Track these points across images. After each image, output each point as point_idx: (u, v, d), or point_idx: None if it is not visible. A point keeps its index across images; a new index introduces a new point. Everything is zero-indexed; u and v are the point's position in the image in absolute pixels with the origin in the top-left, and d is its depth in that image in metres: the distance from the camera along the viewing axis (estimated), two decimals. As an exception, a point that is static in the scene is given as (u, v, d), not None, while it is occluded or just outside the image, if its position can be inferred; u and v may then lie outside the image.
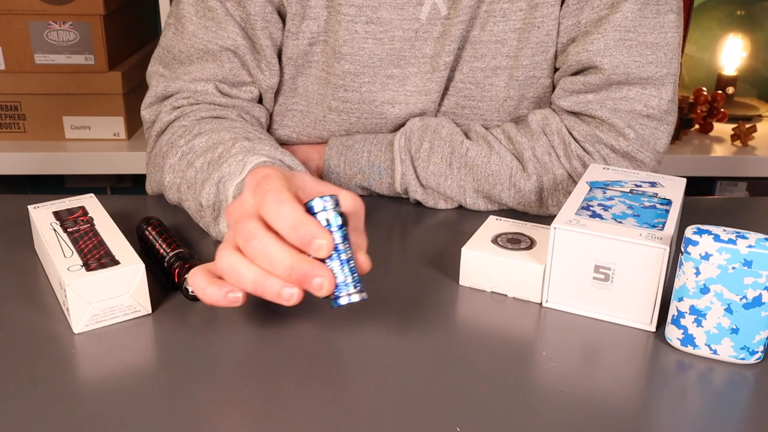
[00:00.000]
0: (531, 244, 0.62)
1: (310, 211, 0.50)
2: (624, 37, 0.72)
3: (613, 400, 0.50)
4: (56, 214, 0.64)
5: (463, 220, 0.75)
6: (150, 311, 0.58)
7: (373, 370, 0.52)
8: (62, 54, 1.44)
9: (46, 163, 1.48)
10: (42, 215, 0.64)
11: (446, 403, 0.49)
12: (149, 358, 0.53)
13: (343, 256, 0.50)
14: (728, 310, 0.52)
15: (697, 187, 1.64)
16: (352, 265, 0.51)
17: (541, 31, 0.75)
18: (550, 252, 0.58)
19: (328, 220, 0.50)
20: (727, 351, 0.53)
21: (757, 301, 0.51)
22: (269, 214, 0.50)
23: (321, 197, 0.50)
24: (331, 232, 0.50)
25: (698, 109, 1.54)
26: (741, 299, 0.51)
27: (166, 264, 0.60)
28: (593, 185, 0.64)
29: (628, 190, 0.64)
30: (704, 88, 1.56)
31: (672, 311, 0.54)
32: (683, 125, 1.54)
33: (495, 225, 0.66)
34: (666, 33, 0.73)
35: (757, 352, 0.53)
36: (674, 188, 0.64)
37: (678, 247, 0.66)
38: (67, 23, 1.42)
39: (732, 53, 1.60)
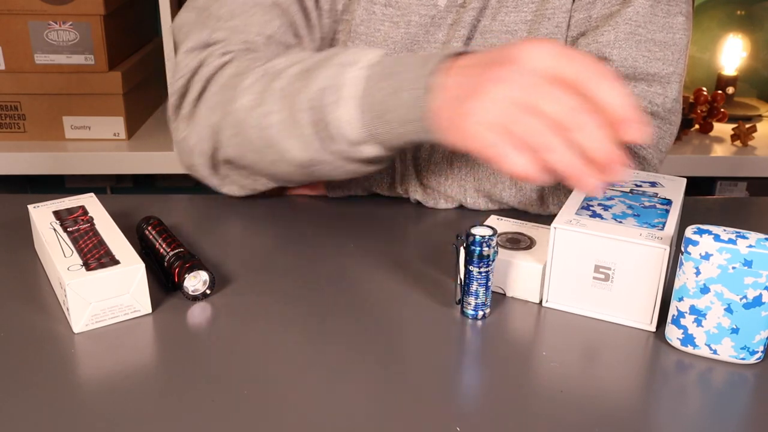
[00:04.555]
0: (531, 243, 0.62)
1: (471, 243, 0.56)
2: (634, 31, 0.73)
3: (613, 400, 0.50)
4: (56, 213, 0.64)
5: (463, 220, 0.75)
6: (150, 311, 0.58)
7: (373, 370, 0.52)
8: (62, 54, 1.44)
9: (46, 163, 1.48)
10: (42, 215, 0.64)
11: (446, 403, 0.49)
12: (149, 358, 0.53)
13: (489, 283, 0.57)
14: (728, 310, 0.52)
15: (697, 187, 1.64)
16: (491, 289, 0.58)
17: (552, 23, 0.76)
18: (550, 252, 0.58)
19: (488, 255, 0.56)
20: (727, 351, 0.53)
21: (758, 301, 0.51)
22: (600, 88, 0.48)
23: (482, 233, 0.56)
24: (489, 263, 0.56)
25: (698, 109, 1.54)
26: (741, 299, 0.51)
27: (166, 264, 0.60)
28: (593, 185, 0.64)
29: (628, 190, 0.64)
30: (704, 88, 1.56)
31: (672, 311, 0.54)
32: (683, 125, 1.53)
33: (495, 225, 0.66)
34: (674, 33, 0.74)
35: (757, 352, 0.53)
36: (674, 188, 0.64)
37: (678, 247, 0.66)
38: (67, 23, 1.42)
39: (732, 53, 1.60)
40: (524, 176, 0.49)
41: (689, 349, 0.54)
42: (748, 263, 0.50)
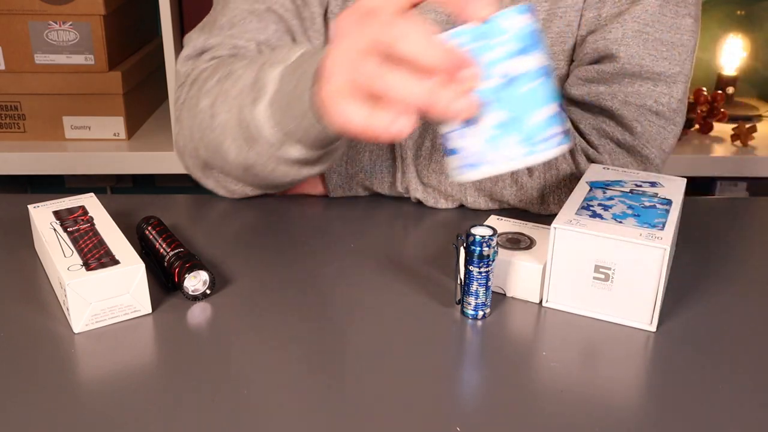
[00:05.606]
0: (531, 243, 0.62)
1: (471, 243, 0.56)
2: (642, 29, 0.73)
3: (613, 400, 0.50)
4: (56, 213, 0.64)
5: (464, 220, 0.75)
6: (150, 311, 0.58)
7: (373, 370, 0.52)
8: (62, 54, 1.44)
9: (46, 163, 1.48)
10: (42, 215, 0.64)
11: (446, 403, 0.49)
12: (149, 358, 0.53)
13: (489, 283, 0.57)
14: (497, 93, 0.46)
15: (697, 187, 1.64)
16: (491, 289, 0.58)
17: (563, 21, 0.76)
18: (550, 252, 0.58)
19: (488, 255, 0.56)
20: (511, 152, 0.46)
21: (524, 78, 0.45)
22: (407, 38, 0.44)
23: (482, 233, 0.56)
24: (489, 263, 0.56)
25: (698, 109, 1.54)
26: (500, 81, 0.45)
27: (166, 263, 0.60)
28: (593, 185, 0.64)
29: (628, 190, 0.64)
30: (704, 88, 1.56)
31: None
32: (683, 125, 1.54)
33: (495, 225, 0.66)
34: (682, 34, 0.74)
35: (546, 139, 0.46)
36: (674, 188, 0.64)
37: (678, 247, 0.66)
38: (67, 23, 1.42)
39: (732, 53, 1.60)
40: (381, 134, 0.45)
41: (474, 173, 0.48)
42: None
